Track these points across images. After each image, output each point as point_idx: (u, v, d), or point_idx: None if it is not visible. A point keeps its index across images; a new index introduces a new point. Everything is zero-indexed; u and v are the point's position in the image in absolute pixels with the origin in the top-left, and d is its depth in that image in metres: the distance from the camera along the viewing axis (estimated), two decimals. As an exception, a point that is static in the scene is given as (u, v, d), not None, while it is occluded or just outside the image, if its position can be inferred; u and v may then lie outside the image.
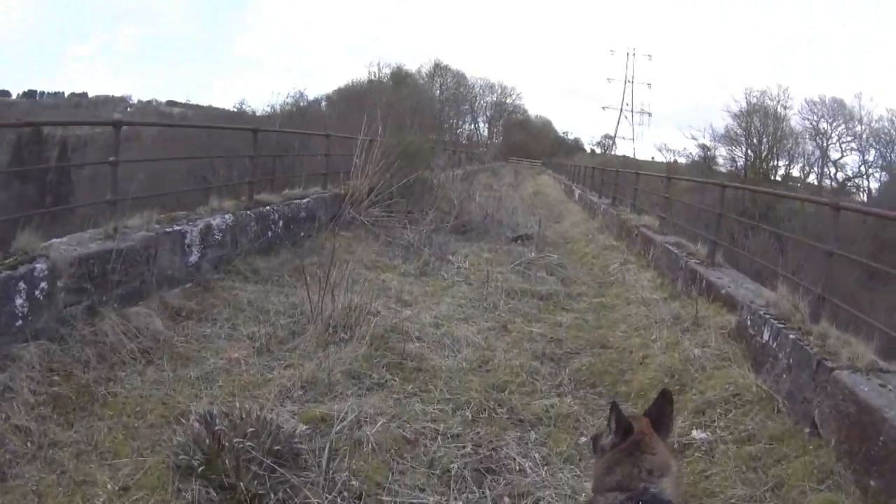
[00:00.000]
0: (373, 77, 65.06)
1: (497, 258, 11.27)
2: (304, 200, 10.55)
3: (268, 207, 9.16)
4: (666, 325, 7.41)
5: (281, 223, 9.49)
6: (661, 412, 2.37)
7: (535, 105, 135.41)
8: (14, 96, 75.18)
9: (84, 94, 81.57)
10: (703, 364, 6.13)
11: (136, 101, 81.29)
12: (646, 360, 6.68)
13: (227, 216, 7.94)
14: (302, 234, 10.21)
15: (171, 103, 76.70)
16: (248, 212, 8.55)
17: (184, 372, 5.41)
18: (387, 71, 66.65)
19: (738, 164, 53.94)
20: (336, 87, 62.57)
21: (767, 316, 5.95)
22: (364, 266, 9.51)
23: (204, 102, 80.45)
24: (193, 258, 7.19)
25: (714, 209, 9.69)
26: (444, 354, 6.30)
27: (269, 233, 9.09)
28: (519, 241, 13.28)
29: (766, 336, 5.81)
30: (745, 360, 6.01)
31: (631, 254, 11.75)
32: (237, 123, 36.87)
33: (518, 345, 6.95)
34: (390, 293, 8.18)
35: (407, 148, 13.33)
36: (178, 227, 6.99)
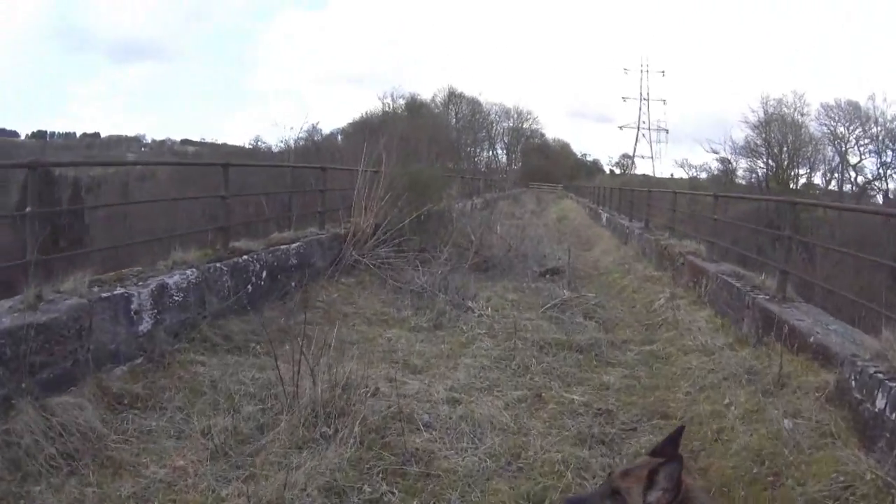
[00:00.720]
0: (387, 108, 65.04)
1: (524, 299, 9.80)
2: (295, 245, 9.13)
3: (246, 257, 7.75)
4: (740, 384, 5.85)
5: (264, 274, 8.06)
6: (674, 446, 2.15)
7: (553, 128, 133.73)
8: (22, 136, 74.88)
9: (97, 135, 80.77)
10: (797, 441, 4.56)
11: (149, 141, 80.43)
12: (721, 435, 5.14)
13: (189, 271, 6.50)
14: (293, 284, 8.80)
15: (186, 142, 75.93)
16: (220, 264, 7.11)
17: (113, 487, 4.03)
18: (401, 101, 66.52)
19: (759, 174, 52.69)
20: (351, 120, 62.29)
21: (879, 374, 4.38)
22: (366, 320, 8.09)
23: (220, 139, 79.09)
24: (144, 326, 5.75)
25: (771, 229, 8.04)
26: (461, 447, 4.72)
27: (249, 287, 7.63)
28: (547, 276, 11.83)
29: (879, 402, 4.26)
30: (853, 434, 4.47)
31: (677, 286, 10.17)
32: (248, 160, 35.37)
33: (557, 422, 5.40)
34: (396, 356, 6.73)
35: (416, 178, 11.89)
36: (120, 291, 5.55)
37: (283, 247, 8.80)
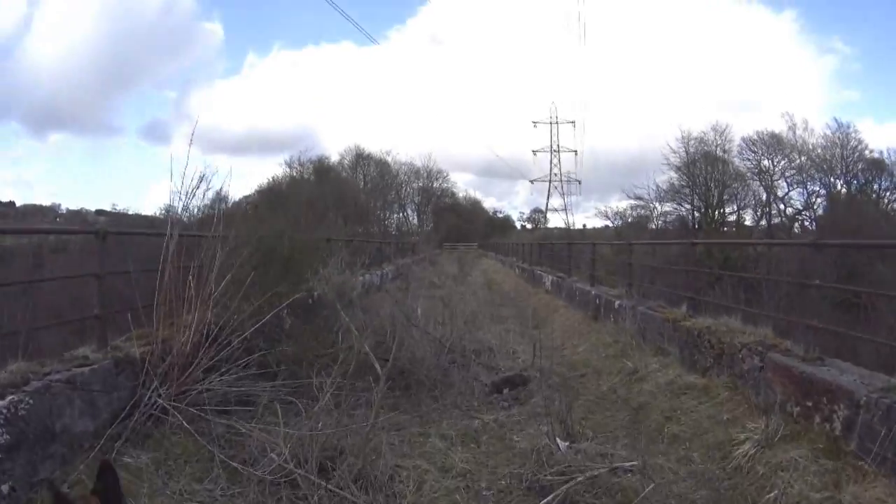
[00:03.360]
0: (294, 172, 64.25)
1: (485, 463, 5.23)
2: (10, 399, 4.13)
3: None
4: None
5: None
6: (107, 487, 2.17)
7: (464, 186, 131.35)
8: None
9: (11, 204, 73.81)
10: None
11: (64, 210, 74.32)
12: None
13: None
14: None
15: (100, 212, 69.35)
16: None
17: None
18: (308, 165, 65.54)
19: (688, 217, 51.30)
20: (258, 187, 59.45)
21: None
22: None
23: (136, 209, 72.77)
24: None
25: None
26: None
27: None
28: (508, 395, 7.22)
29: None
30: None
31: (755, 410, 5.55)
32: (153, 229, 29.66)
33: None
34: None
35: (272, 248, 6.86)
36: None
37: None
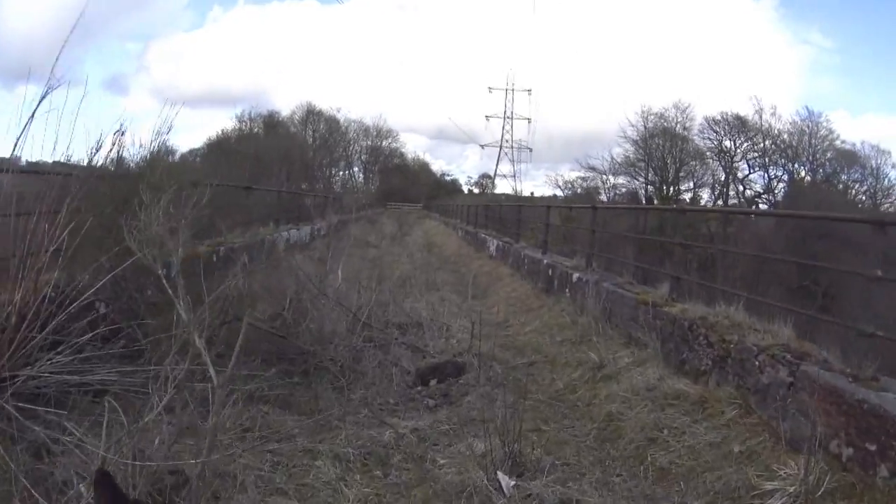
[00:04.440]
0: (244, 126, 63.06)
1: None
2: None
3: None
4: None
5: None
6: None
7: (415, 148, 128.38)
8: None
9: None
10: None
11: (24, 162, 70.32)
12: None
13: None
14: None
15: (57, 163, 65.06)
16: None
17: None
18: (259, 120, 64.60)
19: (634, 190, 52.00)
20: (207, 140, 58.94)
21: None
22: None
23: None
24: None
25: None
26: None
27: None
28: (436, 389, 5.82)
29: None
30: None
31: (785, 444, 3.92)
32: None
33: None
34: None
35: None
36: None
37: None
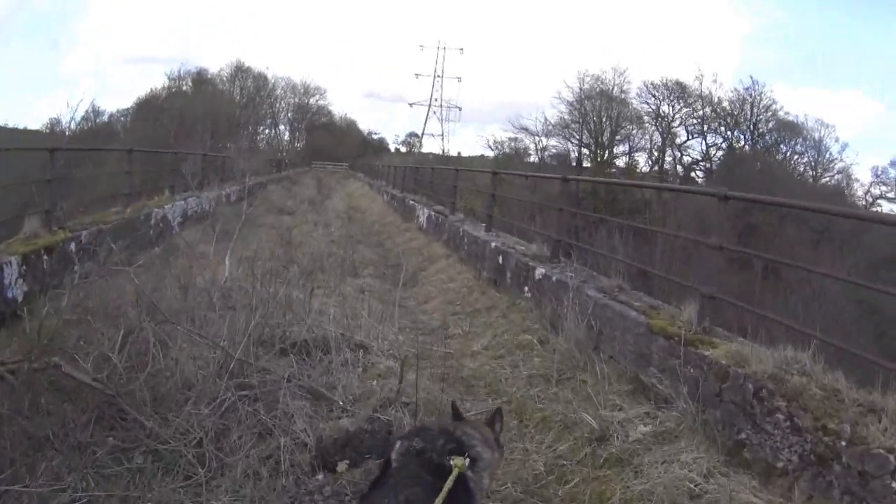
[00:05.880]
0: (174, 84, 60.41)
1: None
2: None
3: None
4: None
5: None
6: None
7: (341, 105, 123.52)
8: None
9: None
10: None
11: None
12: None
13: None
14: None
15: None
16: None
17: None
18: (188, 77, 61.80)
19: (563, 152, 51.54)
20: (136, 99, 56.93)
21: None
22: None
23: (24, 124, 64.77)
24: None
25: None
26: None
27: None
28: (348, 480, 3.82)
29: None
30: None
31: None
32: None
33: None
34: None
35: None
36: None
37: None
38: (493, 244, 8.60)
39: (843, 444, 2.99)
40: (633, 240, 23.90)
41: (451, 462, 2.36)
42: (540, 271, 6.67)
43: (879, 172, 46.95)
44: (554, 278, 6.29)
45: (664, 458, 3.55)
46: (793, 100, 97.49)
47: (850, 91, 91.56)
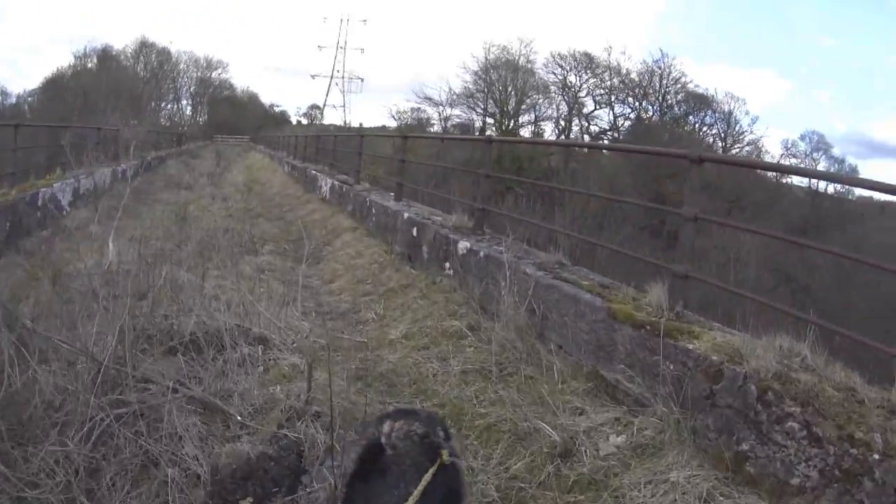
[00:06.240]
0: (79, 63, 57.52)
1: None
2: None
3: None
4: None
5: None
6: None
7: (244, 79, 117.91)
8: None
9: None
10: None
11: None
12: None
13: None
14: None
15: None
16: None
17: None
18: (93, 55, 58.82)
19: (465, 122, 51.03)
20: (42, 79, 54.67)
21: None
22: None
23: None
24: None
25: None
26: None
27: None
28: None
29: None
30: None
31: None
32: None
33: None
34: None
35: None
36: None
37: None
38: (406, 214, 7.75)
39: (876, 456, 2.39)
40: (541, 209, 23.64)
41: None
42: (464, 245, 5.86)
43: (790, 145, 48.45)
44: (482, 253, 5.49)
45: (648, 478, 2.86)
46: (703, 76, 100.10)
47: (761, 70, 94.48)
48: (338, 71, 72.74)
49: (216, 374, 3.95)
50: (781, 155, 47.10)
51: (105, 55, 59.05)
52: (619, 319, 3.74)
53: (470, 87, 49.40)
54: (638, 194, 28.37)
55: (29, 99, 52.97)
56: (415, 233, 7.31)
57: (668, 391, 3.24)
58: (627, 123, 48.88)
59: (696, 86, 47.48)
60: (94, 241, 6.23)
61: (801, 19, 78.45)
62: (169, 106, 67.28)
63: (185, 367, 3.92)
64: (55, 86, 51.15)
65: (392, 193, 9.71)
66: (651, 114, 48.27)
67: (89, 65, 57.44)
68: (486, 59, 49.07)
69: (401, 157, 9.91)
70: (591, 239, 5.10)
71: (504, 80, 48.16)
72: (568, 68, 48.81)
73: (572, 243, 5.92)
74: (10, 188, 9.13)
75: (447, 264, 6.17)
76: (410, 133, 14.68)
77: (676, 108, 47.71)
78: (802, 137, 47.67)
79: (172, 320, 4.52)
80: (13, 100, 51.71)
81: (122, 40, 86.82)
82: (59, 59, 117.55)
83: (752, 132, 47.42)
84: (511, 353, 4.31)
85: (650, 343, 3.46)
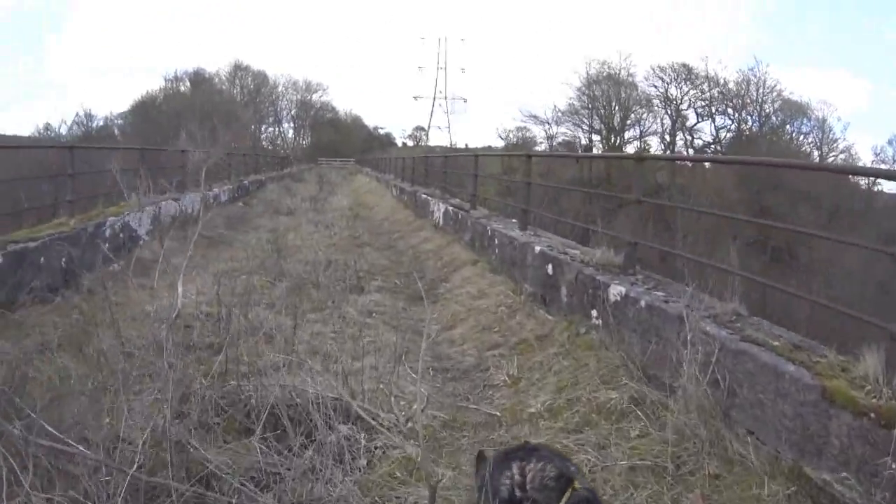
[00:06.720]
0: (170, 86, 60.17)
1: None
2: None
3: None
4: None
5: None
6: None
7: (344, 101, 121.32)
8: None
9: None
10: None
11: None
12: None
13: None
14: None
15: None
16: None
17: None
18: (185, 78, 61.66)
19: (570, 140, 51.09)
20: (132, 102, 56.40)
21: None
22: None
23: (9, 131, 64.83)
24: None
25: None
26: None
27: None
28: None
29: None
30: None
31: None
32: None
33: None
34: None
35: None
36: None
37: None
38: (538, 248, 6.85)
39: None
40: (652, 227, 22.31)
41: None
42: (617, 290, 4.87)
43: (879, 151, 46.27)
44: (643, 302, 4.49)
45: None
46: (790, 81, 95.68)
47: (836, 70, 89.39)
48: (440, 91, 74.43)
49: (303, 469, 3.20)
50: (872, 161, 44.69)
51: (197, 78, 61.62)
52: (837, 403, 2.79)
53: (574, 103, 49.65)
54: (745, 208, 26.88)
55: (119, 122, 55.28)
56: (550, 270, 6.39)
57: (888, 499, 2.40)
58: (729, 135, 48.20)
59: (791, 93, 46.46)
60: (171, 275, 5.68)
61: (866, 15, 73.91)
62: (270, 129, 69.10)
63: (262, 457, 3.23)
64: (145, 108, 52.98)
65: (514, 220, 8.90)
66: (750, 124, 47.50)
67: (182, 88, 60.26)
68: (587, 74, 49.30)
69: (527, 179, 9.06)
70: (790, 289, 3.82)
71: (607, 95, 48.17)
72: (668, 80, 48.56)
73: (740, 284, 4.85)
74: (69, 217, 8.49)
75: (594, 311, 5.21)
76: (532, 152, 13.80)
77: (774, 118, 46.74)
78: (891, 142, 45.63)
79: (250, 389, 3.85)
80: (100, 122, 53.47)
81: (213, 65, 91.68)
82: (146, 84, 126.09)
83: (844, 139, 46.57)
84: (690, 442, 3.35)
85: (872, 435, 2.55)
